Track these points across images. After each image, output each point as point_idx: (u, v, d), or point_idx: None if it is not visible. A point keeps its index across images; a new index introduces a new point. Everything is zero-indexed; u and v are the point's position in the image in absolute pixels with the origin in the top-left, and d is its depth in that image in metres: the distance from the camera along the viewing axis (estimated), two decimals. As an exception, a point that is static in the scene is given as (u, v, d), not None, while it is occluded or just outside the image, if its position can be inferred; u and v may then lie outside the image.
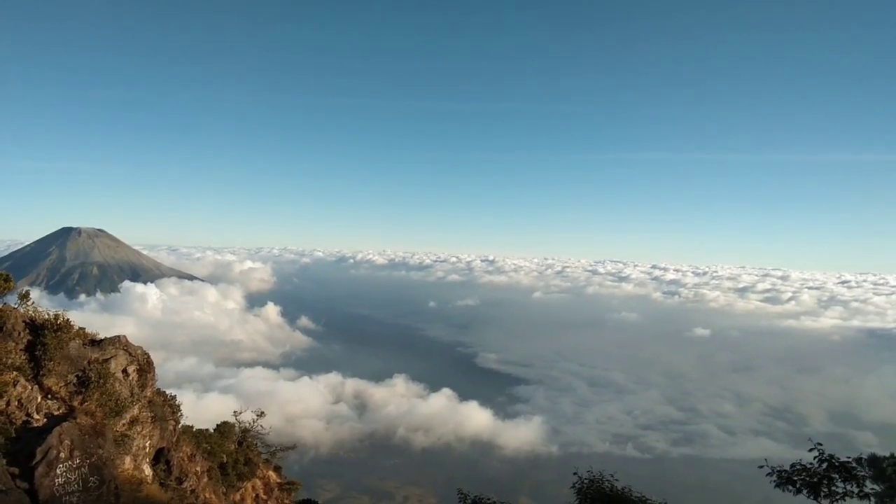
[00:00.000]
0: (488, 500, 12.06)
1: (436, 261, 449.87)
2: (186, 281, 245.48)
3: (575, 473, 11.59)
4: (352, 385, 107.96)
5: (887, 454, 7.86)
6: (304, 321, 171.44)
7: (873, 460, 7.60)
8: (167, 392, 15.50)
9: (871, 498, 7.45)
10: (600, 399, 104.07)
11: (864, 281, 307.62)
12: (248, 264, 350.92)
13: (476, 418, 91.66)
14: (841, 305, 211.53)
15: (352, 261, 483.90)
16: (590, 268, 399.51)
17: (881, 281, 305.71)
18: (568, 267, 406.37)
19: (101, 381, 11.69)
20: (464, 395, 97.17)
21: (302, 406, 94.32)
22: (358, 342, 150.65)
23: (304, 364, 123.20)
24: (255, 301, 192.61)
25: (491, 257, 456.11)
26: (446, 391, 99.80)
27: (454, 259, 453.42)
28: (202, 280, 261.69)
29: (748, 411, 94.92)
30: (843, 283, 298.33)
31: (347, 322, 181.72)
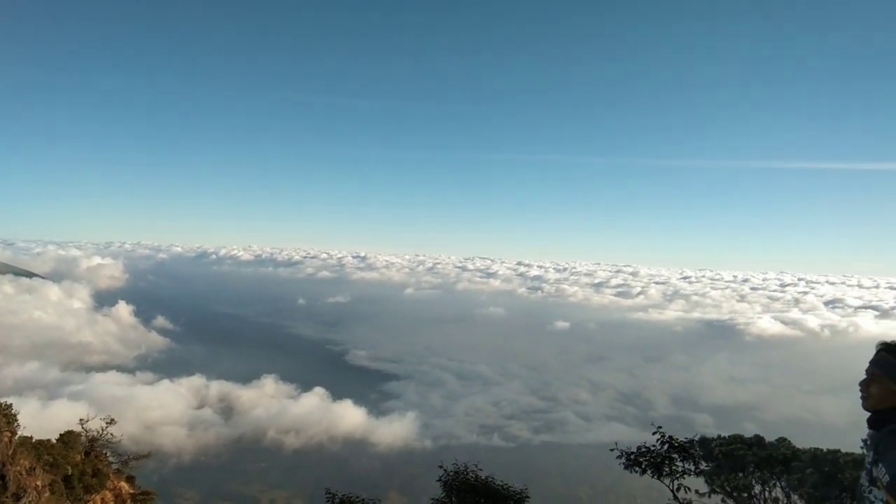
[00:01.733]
0: (357, 497, 12.06)
1: (305, 257, 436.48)
2: (24, 278, 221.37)
3: (440, 466, 11.86)
4: (216, 388, 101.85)
5: (719, 434, 8.83)
6: (160, 321, 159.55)
7: (703, 441, 8.46)
8: (2, 401, 13.93)
9: (704, 475, 8.33)
10: (468, 392, 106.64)
11: (703, 276, 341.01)
12: (97, 260, 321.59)
13: (349, 417, 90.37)
14: (683, 299, 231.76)
15: (214, 257, 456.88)
16: (460, 264, 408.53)
17: (717, 277, 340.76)
18: (439, 263, 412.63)
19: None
20: (336, 394, 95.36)
21: (162, 412, 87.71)
22: (221, 342, 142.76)
23: (163, 367, 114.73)
24: (104, 300, 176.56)
25: (363, 254, 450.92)
26: (318, 390, 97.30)
27: (325, 255, 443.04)
28: (43, 277, 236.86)
29: (602, 398, 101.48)
30: (685, 278, 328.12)
31: (209, 321, 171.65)
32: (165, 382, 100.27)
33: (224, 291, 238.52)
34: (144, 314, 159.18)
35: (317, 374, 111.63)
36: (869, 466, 2.90)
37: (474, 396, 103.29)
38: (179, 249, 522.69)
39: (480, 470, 11.77)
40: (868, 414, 2.97)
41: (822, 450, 7.43)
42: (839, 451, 7.37)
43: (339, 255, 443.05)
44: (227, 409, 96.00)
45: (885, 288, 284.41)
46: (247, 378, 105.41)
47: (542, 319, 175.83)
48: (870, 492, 2.83)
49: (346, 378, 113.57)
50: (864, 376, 2.98)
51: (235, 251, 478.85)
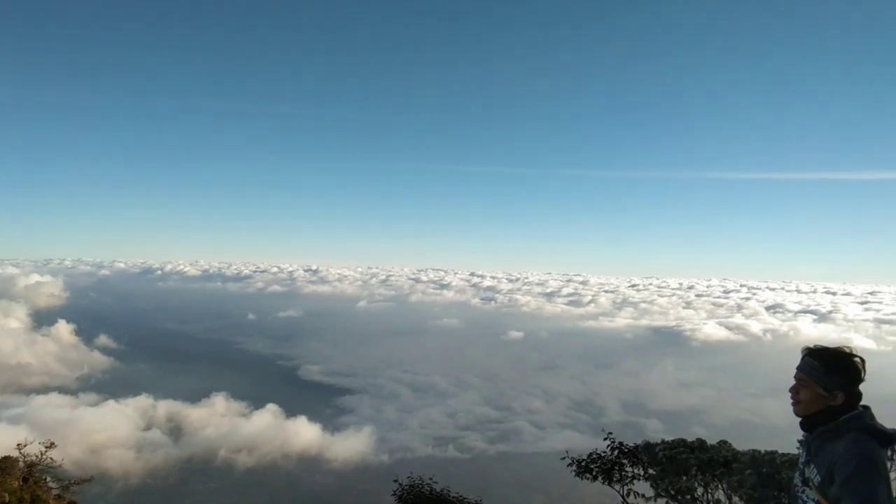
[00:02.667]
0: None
1: (255, 271, 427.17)
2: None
3: (395, 480, 11.80)
4: (164, 407, 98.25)
5: (663, 439, 9.03)
6: (103, 339, 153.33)
7: (648, 446, 8.63)
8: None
9: (649, 480, 8.51)
10: (423, 404, 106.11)
11: (650, 284, 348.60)
12: (35, 278, 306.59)
13: (303, 433, 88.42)
14: (632, 306, 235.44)
15: (159, 272, 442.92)
16: (413, 276, 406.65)
17: (664, 284, 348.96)
18: (392, 276, 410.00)
19: None
20: (289, 410, 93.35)
21: (107, 434, 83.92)
22: (168, 360, 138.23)
23: (107, 387, 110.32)
24: (43, 319, 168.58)
25: (315, 267, 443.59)
26: (271, 407, 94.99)
27: (275, 269, 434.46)
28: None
29: (555, 406, 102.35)
30: (633, 286, 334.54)
31: (155, 339, 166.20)
32: (110, 403, 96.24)
33: (170, 308, 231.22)
34: (86, 333, 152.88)
35: (269, 390, 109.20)
36: (802, 467, 3.04)
37: (429, 408, 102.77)
38: (122, 265, 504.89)
39: (436, 483, 11.75)
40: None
41: (760, 451, 7.71)
42: (776, 452, 7.65)
43: (291, 269, 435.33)
44: (175, 430, 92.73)
45: (823, 293, 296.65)
46: (196, 397, 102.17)
47: (495, 329, 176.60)
48: (803, 492, 2.96)
49: (299, 394, 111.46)
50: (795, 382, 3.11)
51: (182, 266, 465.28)
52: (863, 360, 2.91)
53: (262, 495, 70.16)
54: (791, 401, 3.04)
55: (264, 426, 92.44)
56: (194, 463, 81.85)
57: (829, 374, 2.89)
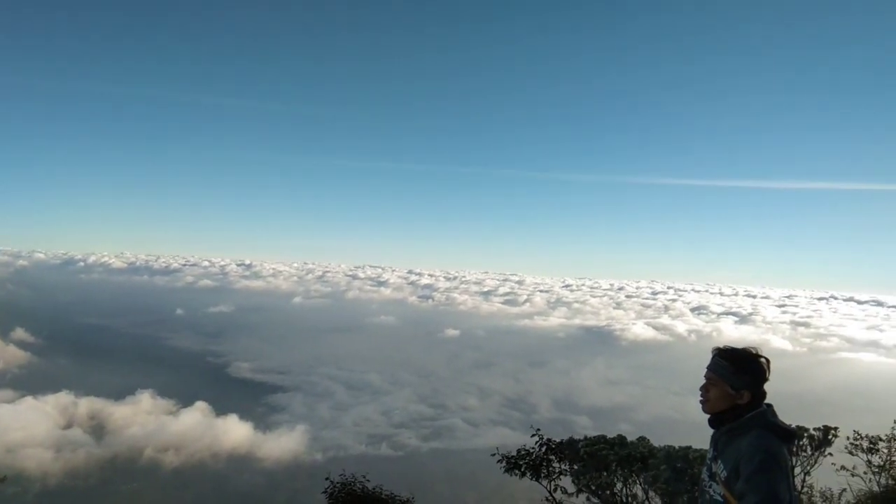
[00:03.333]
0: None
1: (185, 264, 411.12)
2: None
3: (327, 479, 11.59)
4: (86, 405, 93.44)
5: (586, 436, 9.22)
6: (19, 333, 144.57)
7: (570, 443, 8.78)
8: None
9: (571, 475, 8.66)
10: (357, 402, 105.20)
11: (583, 285, 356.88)
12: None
13: (234, 432, 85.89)
14: (565, 306, 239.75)
15: (82, 264, 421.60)
16: (350, 273, 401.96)
17: (595, 285, 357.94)
18: (329, 272, 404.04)
19: None
20: (219, 408, 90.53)
21: (24, 432, 79.10)
22: (91, 356, 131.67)
23: (24, 383, 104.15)
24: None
25: (248, 261, 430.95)
26: (200, 405, 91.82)
27: (206, 263, 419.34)
28: None
29: (489, 403, 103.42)
30: (567, 286, 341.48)
31: (76, 333, 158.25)
32: (28, 400, 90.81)
33: (93, 301, 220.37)
34: (1, 326, 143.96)
35: (198, 388, 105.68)
36: (709, 462, 3.15)
37: (364, 406, 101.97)
38: (42, 256, 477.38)
39: (368, 480, 11.60)
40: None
41: (675, 447, 7.99)
42: (690, 447, 7.95)
43: (223, 263, 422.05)
44: (98, 428, 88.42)
45: (744, 296, 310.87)
46: (120, 394, 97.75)
47: (432, 327, 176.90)
48: (710, 486, 3.06)
49: (229, 391, 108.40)
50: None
51: (106, 258, 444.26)
52: (768, 361, 3.02)
53: (188, 495, 68.04)
54: (700, 399, 3.14)
55: (192, 424, 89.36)
56: (117, 463, 78.37)
57: (737, 373, 2.99)
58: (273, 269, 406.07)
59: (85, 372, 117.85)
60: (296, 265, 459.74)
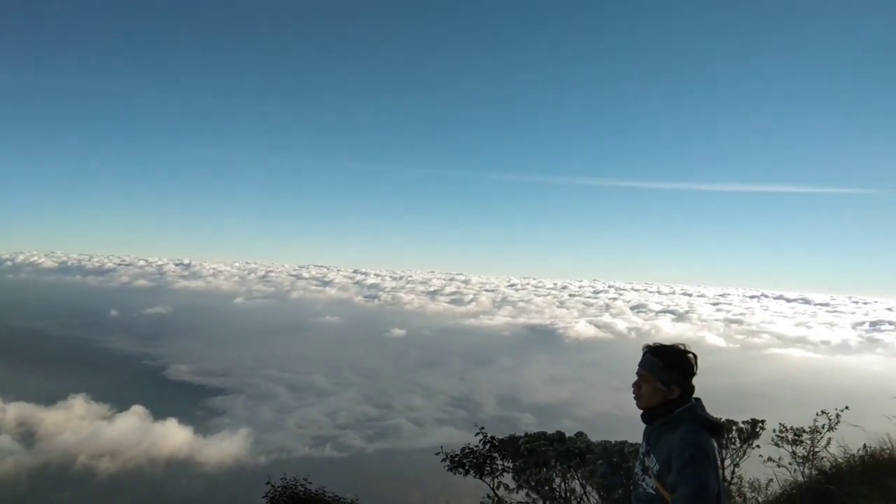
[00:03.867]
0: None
1: (119, 264, 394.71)
2: None
3: (268, 482, 11.34)
4: (14, 410, 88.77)
5: (526, 433, 9.31)
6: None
7: (511, 440, 8.88)
8: None
9: (512, 472, 8.75)
10: (301, 403, 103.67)
11: (528, 284, 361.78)
12: None
13: (173, 436, 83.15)
14: (510, 305, 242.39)
15: (9, 263, 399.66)
16: (294, 272, 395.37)
17: (540, 284, 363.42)
18: (272, 271, 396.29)
19: None
20: (157, 413, 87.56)
21: (-52, 441, 74.99)
22: (19, 359, 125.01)
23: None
24: None
25: (186, 261, 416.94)
26: (137, 409, 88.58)
27: (142, 262, 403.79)
28: None
29: (435, 403, 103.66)
30: (512, 286, 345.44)
31: (3, 336, 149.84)
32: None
33: (22, 303, 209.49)
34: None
35: (134, 391, 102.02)
36: (642, 456, 3.22)
37: (308, 408, 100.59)
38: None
39: (310, 483, 11.40)
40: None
41: (611, 442, 8.19)
42: (626, 442, 8.16)
43: (160, 263, 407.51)
44: (27, 435, 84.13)
45: (680, 294, 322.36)
46: (51, 399, 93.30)
47: (378, 327, 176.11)
48: (643, 479, 3.12)
49: (168, 395, 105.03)
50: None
51: (36, 257, 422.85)
52: (695, 356, 3.11)
53: (124, 502, 65.71)
54: (633, 395, 3.20)
55: (129, 429, 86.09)
56: (49, 470, 74.88)
57: (667, 369, 3.06)
58: (213, 268, 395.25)
59: (12, 376, 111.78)
60: (237, 265, 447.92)
